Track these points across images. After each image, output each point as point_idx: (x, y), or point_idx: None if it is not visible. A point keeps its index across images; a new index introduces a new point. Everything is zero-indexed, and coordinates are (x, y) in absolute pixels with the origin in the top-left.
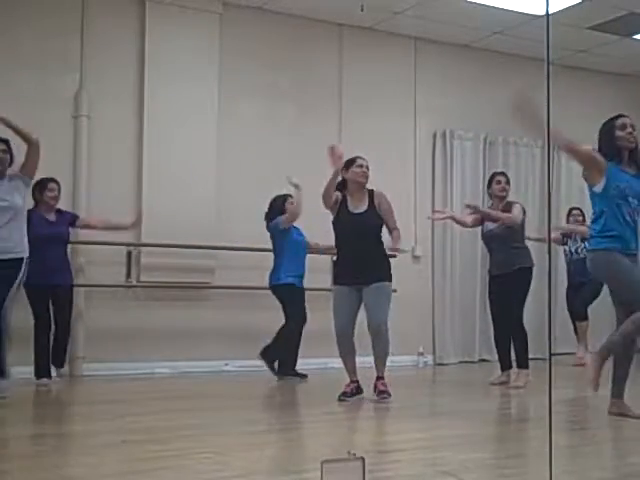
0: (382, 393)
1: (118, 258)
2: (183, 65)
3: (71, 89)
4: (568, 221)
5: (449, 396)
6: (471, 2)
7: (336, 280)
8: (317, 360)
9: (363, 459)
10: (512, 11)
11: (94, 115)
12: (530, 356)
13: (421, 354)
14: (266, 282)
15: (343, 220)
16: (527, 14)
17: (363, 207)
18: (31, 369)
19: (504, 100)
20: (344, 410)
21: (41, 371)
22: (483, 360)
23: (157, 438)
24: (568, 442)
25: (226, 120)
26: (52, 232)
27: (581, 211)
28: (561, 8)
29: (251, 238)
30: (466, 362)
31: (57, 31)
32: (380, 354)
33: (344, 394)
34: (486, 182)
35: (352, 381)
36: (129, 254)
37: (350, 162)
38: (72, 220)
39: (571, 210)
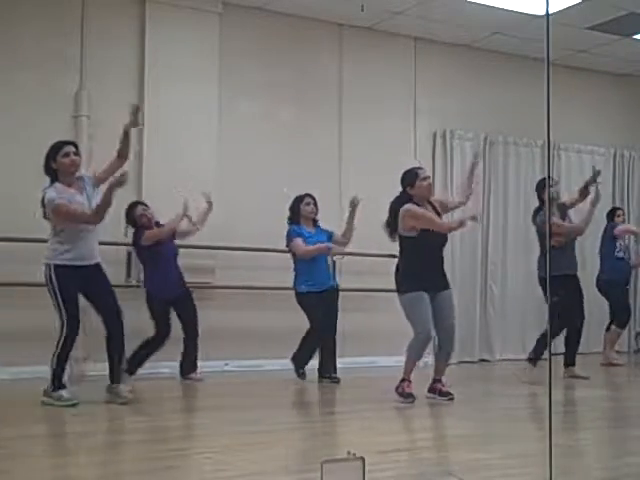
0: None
1: (118, 258)
2: (183, 65)
3: (71, 89)
4: (612, 221)
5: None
6: (471, 2)
7: (415, 286)
8: (317, 360)
9: (363, 459)
10: (512, 11)
11: (94, 115)
12: (531, 356)
13: None
14: (266, 282)
15: (429, 236)
16: (527, 14)
17: None
18: (32, 369)
19: (504, 100)
20: (344, 410)
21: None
22: (483, 360)
23: (157, 438)
24: (568, 442)
25: (226, 120)
26: None
27: (623, 211)
28: (561, 8)
29: (251, 238)
30: (466, 362)
31: (57, 31)
32: (449, 355)
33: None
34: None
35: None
36: (129, 254)
37: (413, 175)
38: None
39: (615, 210)
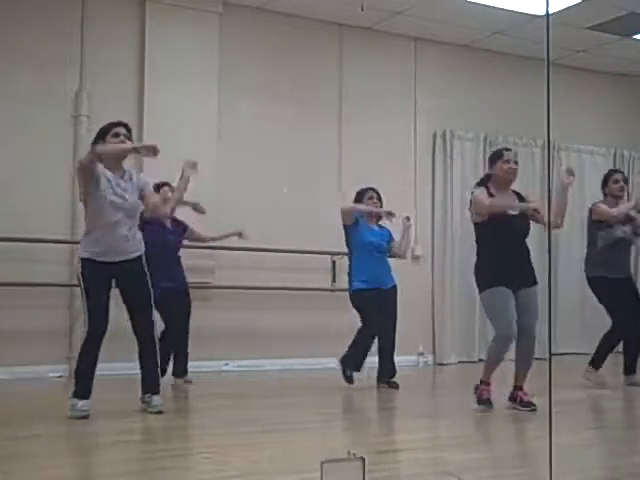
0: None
1: None
2: (183, 65)
3: (71, 89)
4: None
5: (449, 396)
6: (471, 2)
7: (496, 282)
8: (317, 360)
9: (363, 459)
10: (512, 11)
11: (94, 115)
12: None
13: (421, 354)
14: (266, 282)
15: (504, 223)
16: (527, 14)
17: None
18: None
19: (504, 100)
20: (344, 410)
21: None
22: (483, 360)
23: (157, 438)
24: (568, 442)
25: (226, 120)
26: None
27: None
28: (561, 8)
29: (251, 238)
30: (466, 362)
31: (57, 31)
32: (529, 360)
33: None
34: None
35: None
36: None
37: (497, 155)
38: (184, 230)
39: None
